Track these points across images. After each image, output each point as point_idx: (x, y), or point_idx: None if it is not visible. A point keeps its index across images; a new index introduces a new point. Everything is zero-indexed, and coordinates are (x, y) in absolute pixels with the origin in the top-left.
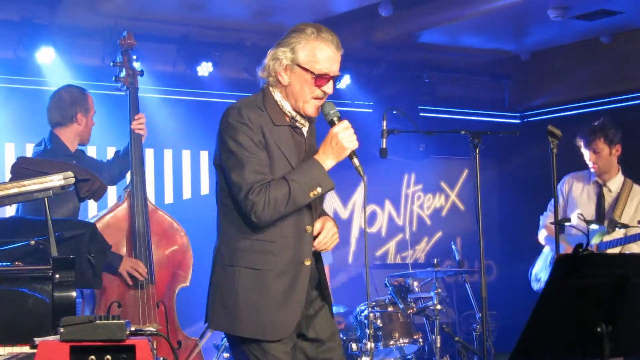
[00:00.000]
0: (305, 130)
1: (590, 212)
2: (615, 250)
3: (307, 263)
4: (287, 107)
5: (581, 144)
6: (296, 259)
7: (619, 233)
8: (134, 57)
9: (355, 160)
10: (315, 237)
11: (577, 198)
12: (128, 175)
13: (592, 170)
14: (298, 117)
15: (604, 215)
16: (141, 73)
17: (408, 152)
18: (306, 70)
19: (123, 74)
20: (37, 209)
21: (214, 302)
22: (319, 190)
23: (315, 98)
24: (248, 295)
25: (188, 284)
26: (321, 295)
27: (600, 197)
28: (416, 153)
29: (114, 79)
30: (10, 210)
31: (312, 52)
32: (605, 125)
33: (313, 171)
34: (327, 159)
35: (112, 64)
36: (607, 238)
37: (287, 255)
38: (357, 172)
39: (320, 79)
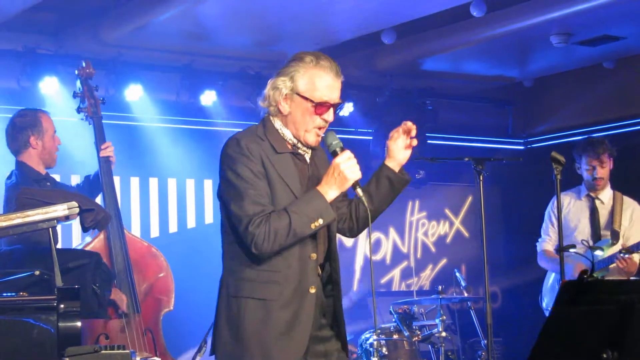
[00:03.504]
0: (307, 157)
1: (586, 226)
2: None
3: (312, 291)
4: (288, 134)
5: (586, 159)
6: (301, 288)
7: (619, 245)
8: (134, 89)
9: (359, 191)
10: (321, 265)
11: (571, 215)
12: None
13: (597, 185)
14: (300, 144)
15: (600, 229)
16: (103, 101)
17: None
18: (306, 98)
19: (85, 104)
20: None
21: (221, 333)
22: (321, 221)
23: (317, 127)
24: (254, 325)
25: (172, 308)
26: (331, 325)
27: (594, 211)
28: (415, 180)
29: (77, 109)
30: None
31: (311, 80)
32: (604, 141)
33: (315, 202)
34: (329, 190)
35: (72, 94)
36: (613, 250)
37: (292, 284)
38: (361, 202)
39: (320, 107)
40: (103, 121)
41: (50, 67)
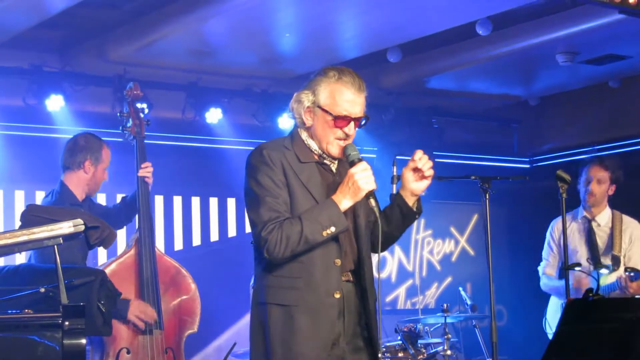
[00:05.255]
0: (333, 167)
1: (584, 250)
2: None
3: (337, 296)
4: (313, 145)
5: (586, 171)
6: (325, 293)
7: (621, 270)
8: (142, 106)
9: (372, 201)
10: (353, 271)
11: (569, 237)
12: (136, 222)
13: (587, 200)
14: (325, 155)
15: (598, 251)
16: (148, 123)
17: None
18: (326, 112)
19: (130, 124)
20: (45, 256)
21: (253, 339)
22: (333, 229)
23: (338, 139)
24: (278, 331)
25: (196, 329)
26: (362, 332)
27: (590, 232)
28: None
29: (121, 128)
30: (19, 258)
31: (332, 95)
32: (614, 164)
33: (328, 210)
34: (343, 199)
35: (119, 114)
36: (612, 277)
37: (315, 289)
38: (374, 212)
39: (339, 120)
40: (104, 138)
41: (56, 85)
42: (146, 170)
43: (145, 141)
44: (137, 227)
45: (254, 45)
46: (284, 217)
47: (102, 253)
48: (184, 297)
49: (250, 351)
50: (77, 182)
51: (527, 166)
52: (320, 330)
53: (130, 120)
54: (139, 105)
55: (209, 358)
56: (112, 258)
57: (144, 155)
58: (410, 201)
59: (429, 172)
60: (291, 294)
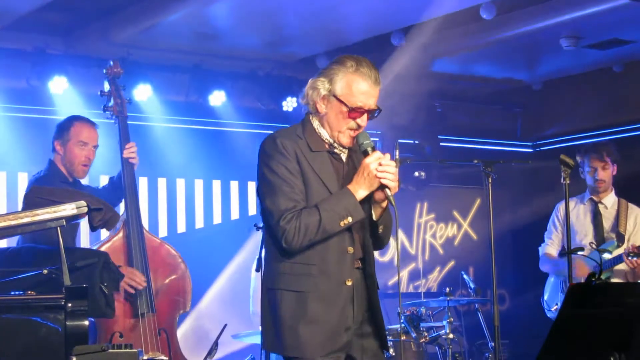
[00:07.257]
0: (344, 156)
1: (589, 229)
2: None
3: (349, 283)
4: (324, 134)
5: (588, 160)
6: (337, 280)
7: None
8: (122, 85)
9: (387, 190)
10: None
11: (574, 219)
12: (123, 204)
13: (598, 187)
14: (336, 144)
15: (604, 231)
16: (129, 101)
17: (411, 180)
18: (341, 102)
19: (111, 103)
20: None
21: (264, 324)
22: (350, 219)
23: (350, 129)
24: (289, 316)
25: (188, 309)
26: (371, 318)
27: (596, 214)
28: (416, 180)
29: (102, 108)
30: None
31: (348, 85)
32: (610, 145)
33: (344, 201)
34: (359, 189)
35: (99, 93)
36: (619, 251)
37: (328, 276)
38: (389, 201)
39: (354, 112)
40: (110, 121)
41: (59, 67)
42: (130, 151)
43: (149, 124)
44: (124, 208)
45: (258, 29)
46: (301, 207)
47: (86, 236)
48: (175, 277)
49: (263, 338)
50: (59, 163)
51: (530, 150)
52: (332, 316)
53: (112, 99)
54: (120, 83)
55: (201, 346)
56: (100, 241)
57: (127, 135)
58: (376, 211)
59: (391, 183)
60: (304, 280)
